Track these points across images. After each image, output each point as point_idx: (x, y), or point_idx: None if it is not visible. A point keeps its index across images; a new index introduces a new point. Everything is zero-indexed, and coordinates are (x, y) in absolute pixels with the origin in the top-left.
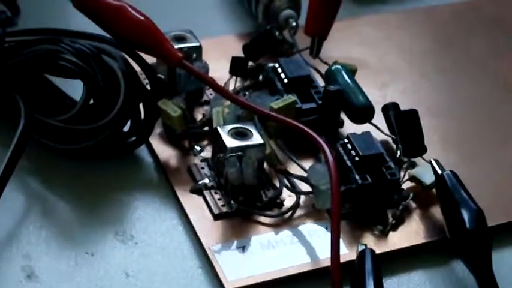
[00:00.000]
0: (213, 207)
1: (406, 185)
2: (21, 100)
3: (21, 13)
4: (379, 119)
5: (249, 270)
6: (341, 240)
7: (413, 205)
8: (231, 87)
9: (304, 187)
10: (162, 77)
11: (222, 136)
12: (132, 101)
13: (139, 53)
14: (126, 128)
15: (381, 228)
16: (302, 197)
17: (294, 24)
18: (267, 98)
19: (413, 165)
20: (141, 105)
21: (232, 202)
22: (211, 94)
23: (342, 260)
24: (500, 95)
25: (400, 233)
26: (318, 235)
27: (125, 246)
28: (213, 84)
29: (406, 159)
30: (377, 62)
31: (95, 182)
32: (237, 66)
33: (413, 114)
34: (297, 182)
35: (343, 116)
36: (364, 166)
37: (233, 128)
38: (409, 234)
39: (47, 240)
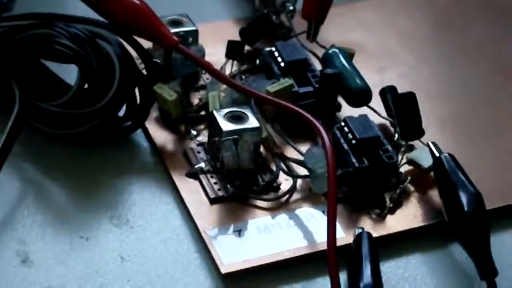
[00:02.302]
0: (209, 191)
1: (403, 168)
2: (15, 85)
3: None
4: (376, 102)
5: (245, 254)
6: (338, 224)
7: (411, 188)
8: (227, 71)
9: (301, 171)
10: (158, 61)
11: (218, 120)
12: (128, 86)
13: (135, 37)
14: (121, 113)
15: (378, 211)
16: (299, 181)
17: (291, 8)
18: (264, 82)
19: (411, 148)
20: (136, 90)
21: (228, 186)
22: (207, 78)
23: (338, 243)
24: (499, 79)
25: (397, 217)
26: (314, 219)
27: (121, 231)
28: (209, 68)
29: (403, 143)
30: (375, 46)
31: (90, 167)
32: (233, 50)
33: (411, 97)
34: (294, 165)
35: (340, 99)
36: (361, 149)
37: (229, 112)
38: (407, 217)
39: (41, 225)
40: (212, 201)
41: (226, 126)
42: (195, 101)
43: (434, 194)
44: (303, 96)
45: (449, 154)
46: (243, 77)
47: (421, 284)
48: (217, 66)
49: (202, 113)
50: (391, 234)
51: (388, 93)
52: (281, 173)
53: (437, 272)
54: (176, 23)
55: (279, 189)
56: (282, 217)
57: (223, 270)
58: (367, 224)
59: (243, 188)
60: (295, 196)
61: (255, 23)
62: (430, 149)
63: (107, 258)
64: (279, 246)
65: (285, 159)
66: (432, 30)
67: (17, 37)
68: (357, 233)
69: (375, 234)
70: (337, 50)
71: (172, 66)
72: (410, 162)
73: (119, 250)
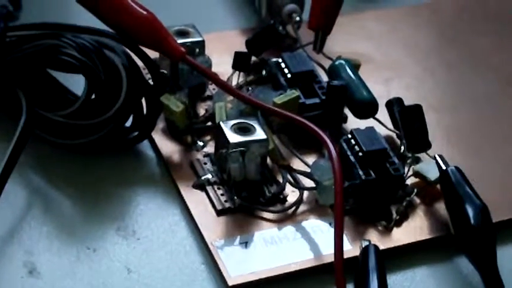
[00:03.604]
0: (215, 202)
1: (410, 181)
2: (23, 95)
3: (23, 7)
4: (383, 114)
5: (252, 266)
6: (344, 236)
7: (417, 201)
8: (234, 82)
9: (308, 183)
10: (165, 72)
11: (225, 131)
12: (134, 96)
13: (142, 47)
14: (128, 123)
15: (384, 224)
16: (305, 193)
17: (297, 19)
18: (270, 93)
19: (417, 160)
20: (143, 100)
21: (235, 198)
22: (214, 89)
23: (345, 256)
24: (504, 90)
25: (404, 229)
26: (321, 231)
27: (127, 242)
28: (215, 79)
29: (410, 155)
30: (381, 57)
31: (96, 177)
32: (240, 61)
33: (417, 109)
34: (301, 177)
35: (347, 111)
36: (368, 161)
37: (236, 123)
38: (413, 230)
39: (48, 235)
40: (219, 212)
41: (233, 138)
42: (202, 111)
43: (441, 207)
44: (309, 108)
45: (455, 167)
46: (250, 88)
47: None
48: (224, 77)
49: (209, 123)
50: (398, 247)
51: (395, 105)
52: (288, 184)
53: (444, 285)
54: (183, 33)
55: (286, 201)
56: (289, 229)
57: (230, 282)
58: (373, 237)
59: (249, 199)
60: (302, 208)
61: (261, 34)
62: (437, 162)
63: (113, 269)
64: (286, 258)
65: (292, 171)
66: (437, 41)
67: (24, 47)
68: (363, 246)
69: (381, 247)
70: (343, 62)
71: (179, 77)
72: (416, 174)
73: (125, 261)
